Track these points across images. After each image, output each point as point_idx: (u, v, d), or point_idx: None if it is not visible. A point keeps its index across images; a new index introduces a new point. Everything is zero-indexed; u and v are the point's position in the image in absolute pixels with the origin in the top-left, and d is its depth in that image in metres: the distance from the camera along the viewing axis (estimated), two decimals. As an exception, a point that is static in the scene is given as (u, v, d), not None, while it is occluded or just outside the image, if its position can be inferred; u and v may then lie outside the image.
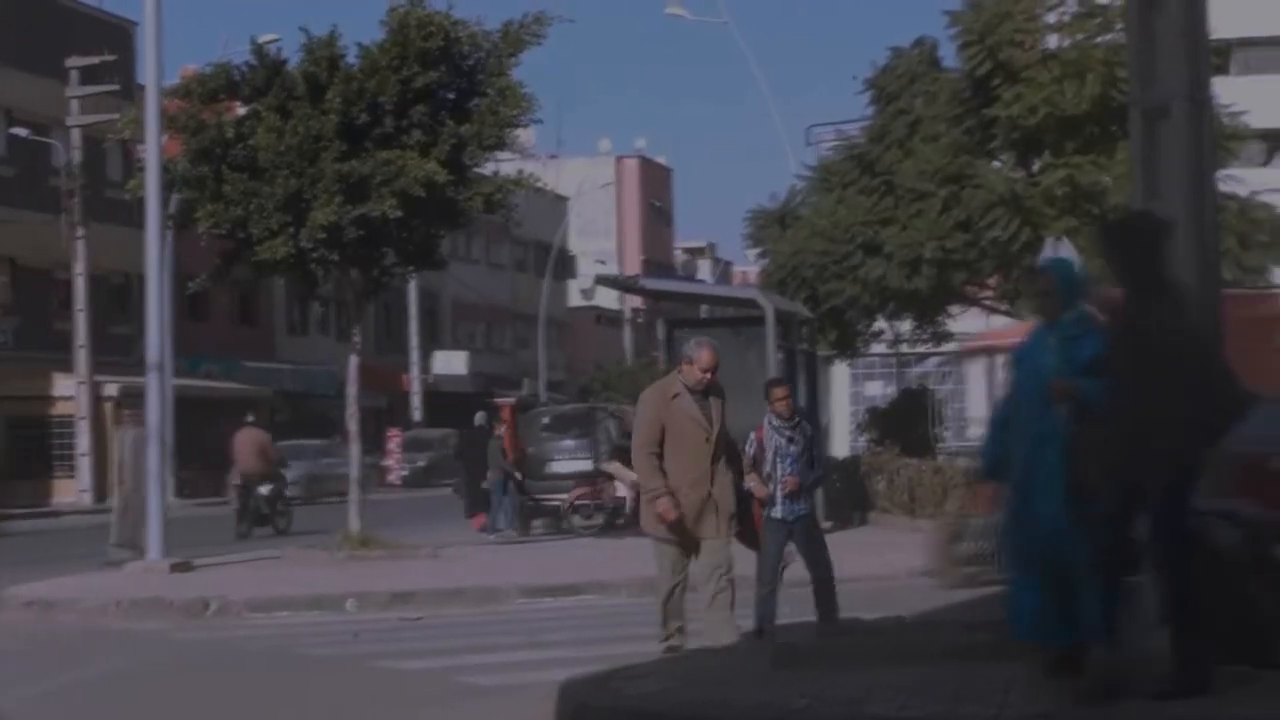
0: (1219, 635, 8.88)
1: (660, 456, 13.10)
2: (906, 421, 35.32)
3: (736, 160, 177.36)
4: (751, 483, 14.60)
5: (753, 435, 15.25)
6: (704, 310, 39.31)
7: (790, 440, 15.12)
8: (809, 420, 16.04)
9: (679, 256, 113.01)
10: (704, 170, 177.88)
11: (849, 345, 35.04)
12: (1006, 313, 33.92)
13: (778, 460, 15.06)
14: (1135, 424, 8.82)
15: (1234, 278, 28.72)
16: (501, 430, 31.66)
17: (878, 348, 39.73)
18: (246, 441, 35.70)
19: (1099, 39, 30.53)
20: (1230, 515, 8.50)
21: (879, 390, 46.92)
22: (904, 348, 41.14)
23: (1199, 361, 8.84)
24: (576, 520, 30.99)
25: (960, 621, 13.43)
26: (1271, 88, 48.00)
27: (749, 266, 75.18)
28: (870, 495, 31.06)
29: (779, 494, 14.99)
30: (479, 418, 33.83)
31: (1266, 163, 48.60)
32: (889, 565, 22.92)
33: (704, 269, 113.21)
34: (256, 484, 34.97)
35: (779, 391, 15.53)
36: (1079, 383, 9.39)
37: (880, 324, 35.73)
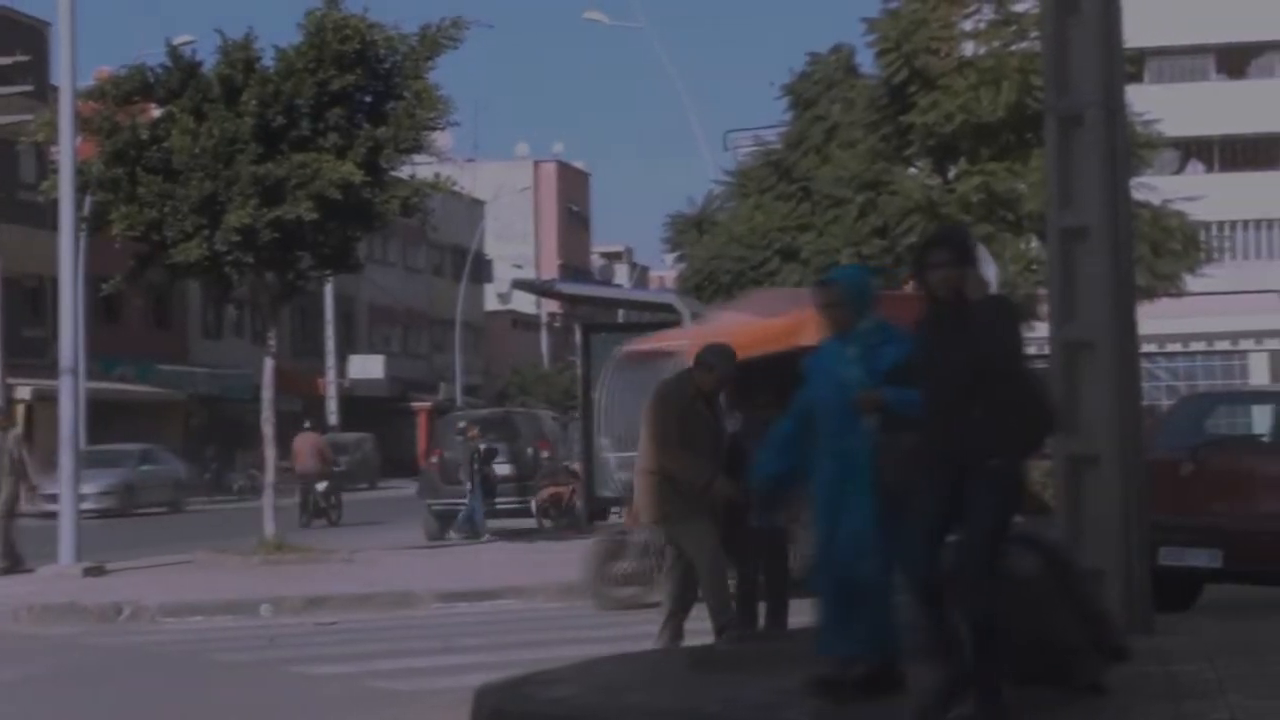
0: (1018, 660, 8.58)
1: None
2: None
3: (654, 165, 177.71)
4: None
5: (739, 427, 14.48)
6: (621, 315, 39.33)
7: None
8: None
9: (596, 261, 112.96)
10: (622, 175, 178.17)
11: (766, 350, 35.12)
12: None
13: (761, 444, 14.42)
14: (947, 435, 8.53)
15: (1147, 285, 28.98)
16: (475, 433, 31.85)
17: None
18: (305, 444, 39.60)
19: (1015, 46, 30.70)
20: (1030, 540, 8.20)
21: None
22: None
23: (1016, 375, 8.60)
24: (546, 523, 31.08)
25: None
26: (1184, 96, 48.39)
27: (666, 271, 75.26)
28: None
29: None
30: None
31: (1179, 171, 48.99)
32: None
33: (621, 273, 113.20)
34: (314, 482, 39.04)
35: (764, 384, 14.71)
36: (885, 392, 9.21)
37: (797, 329, 35.77)
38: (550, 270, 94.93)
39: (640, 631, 14.60)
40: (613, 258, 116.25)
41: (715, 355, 13.17)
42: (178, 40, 27.25)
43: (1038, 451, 8.98)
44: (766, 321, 18.68)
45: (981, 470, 8.33)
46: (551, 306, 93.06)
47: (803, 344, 17.63)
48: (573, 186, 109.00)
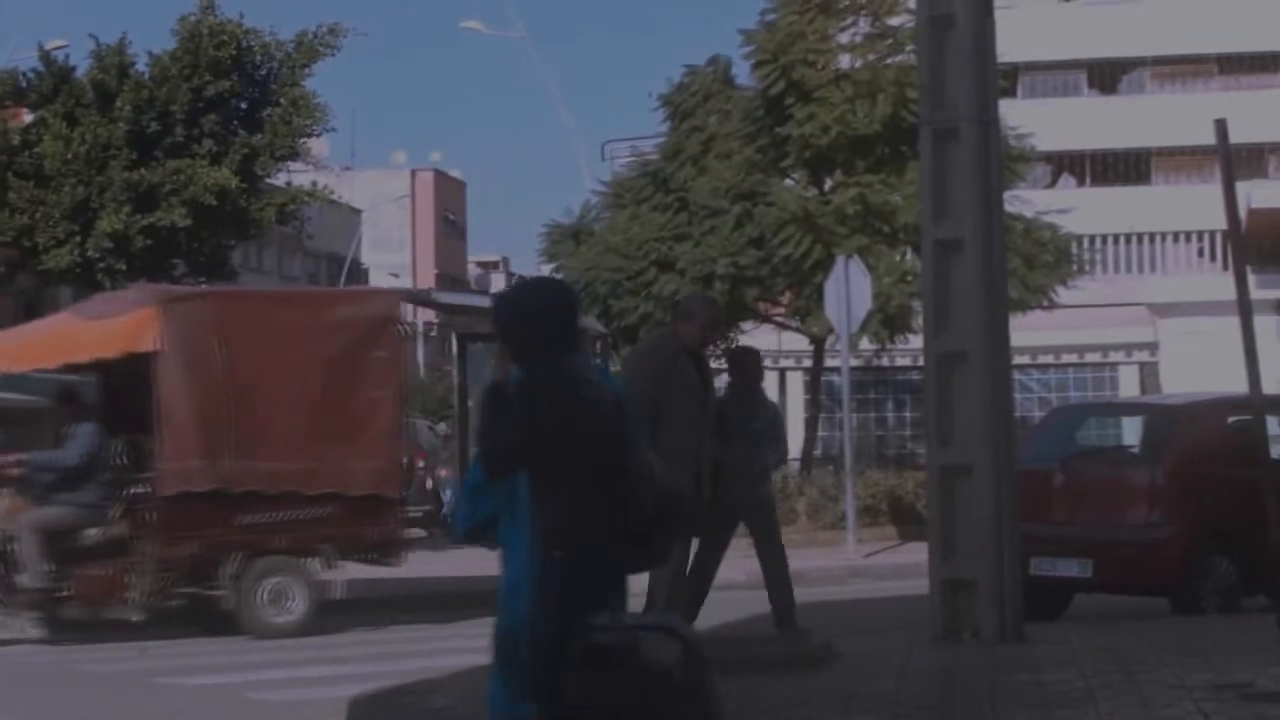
0: None
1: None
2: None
3: (532, 174, 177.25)
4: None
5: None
6: (497, 324, 39.23)
7: (754, 417, 13.46)
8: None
9: (473, 270, 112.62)
10: (499, 184, 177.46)
11: (642, 361, 35.13)
12: (798, 329, 34.21)
13: (737, 436, 13.25)
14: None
15: (1020, 297, 29.25)
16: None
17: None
18: None
19: (890, 60, 30.90)
20: (668, 629, 7.13)
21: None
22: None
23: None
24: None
25: (756, 635, 13.54)
26: (1057, 111, 48.90)
27: (543, 281, 75.12)
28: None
29: (735, 473, 13.12)
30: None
31: (1052, 184, 49.46)
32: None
33: (498, 283, 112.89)
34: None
35: (746, 361, 13.94)
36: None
37: (673, 340, 35.84)
38: (427, 279, 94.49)
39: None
40: (489, 267, 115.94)
41: (695, 302, 12.66)
42: (50, 44, 27.00)
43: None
44: (98, 324, 18.10)
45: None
46: (428, 316, 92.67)
47: (142, 349, 17.52)
48: (450, 195, 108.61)
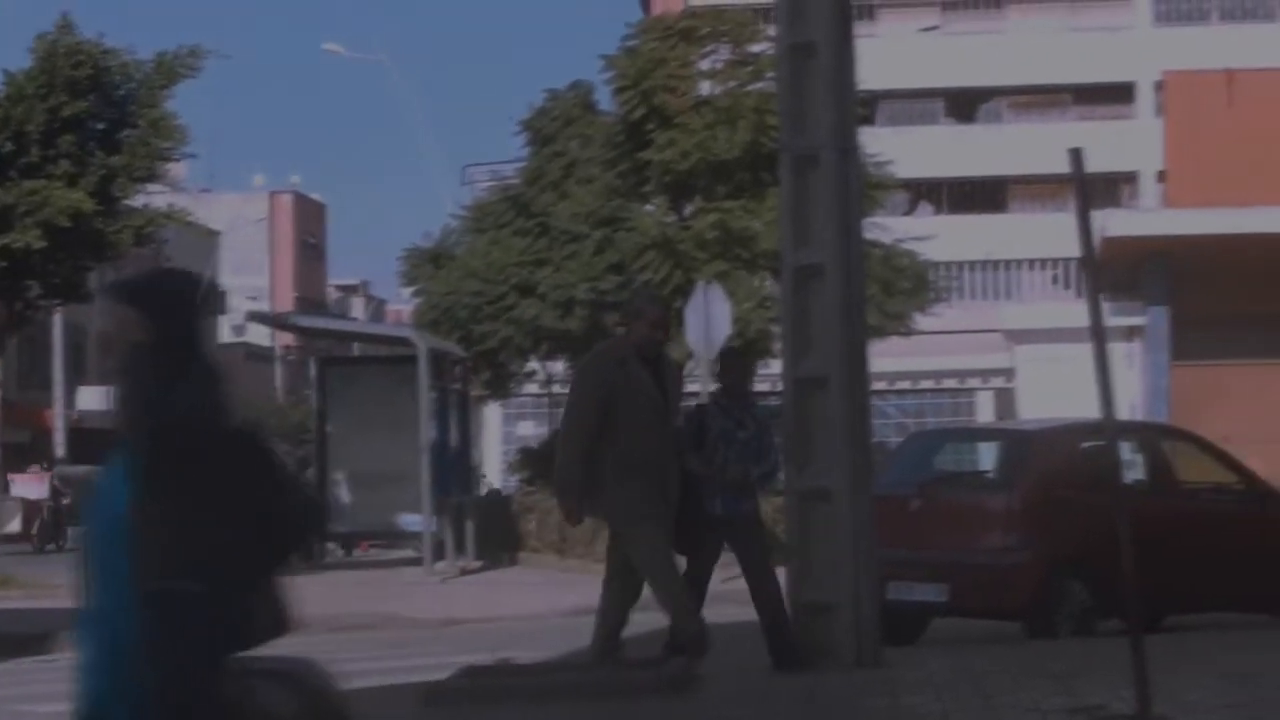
0: None
1: (595, 441, 11.13)
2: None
3: (393, 198, 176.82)
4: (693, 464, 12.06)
5: (693, 413, 12.74)
6: (357, 348, 39.05)
7: (739, 424, 12.46)
8: (749, 408, 12.90)
9: (332, 294, 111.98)
10: (359, 207, 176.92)
11: (502, 386, 35.09)
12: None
13: (721, 445, 12.32)
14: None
15: (878, 323, 29.46)
16: None
17: (530, 388, 39.89)
18: (33, 477, 41.48)
19: (751, 87, 31.09)
20: (291, 675, 5.51)
21: (531, 430, 47.13)
22: (556, 388, 41.35)
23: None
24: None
25: (617, 661, 13.50)
26: (915, 139, 49.33)
27: (403, 305, 74.89)
28: (521, 535, 31.09)
29: (717, 486, 12.26)
30: None
31: (910, 212, 49.88)
32: (540, 604, 23.03)
33: (357, 307, 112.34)
34: (43, 510, 39.10)
35: (731, 364, 13.16)
36: None
37: (533, 364, 35.87)
38: (286, 303, 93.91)
39: (378, 666, 14.49)
40: (349, 291, 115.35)
41: (640, 299, 12.00)
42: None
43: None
44: None
45: None
46: (287, 339, 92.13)
47: None
48: (309, 218, 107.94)
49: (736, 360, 13.13)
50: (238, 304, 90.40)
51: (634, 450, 11.04)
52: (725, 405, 12.59)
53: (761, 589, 12.19)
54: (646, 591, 12.12)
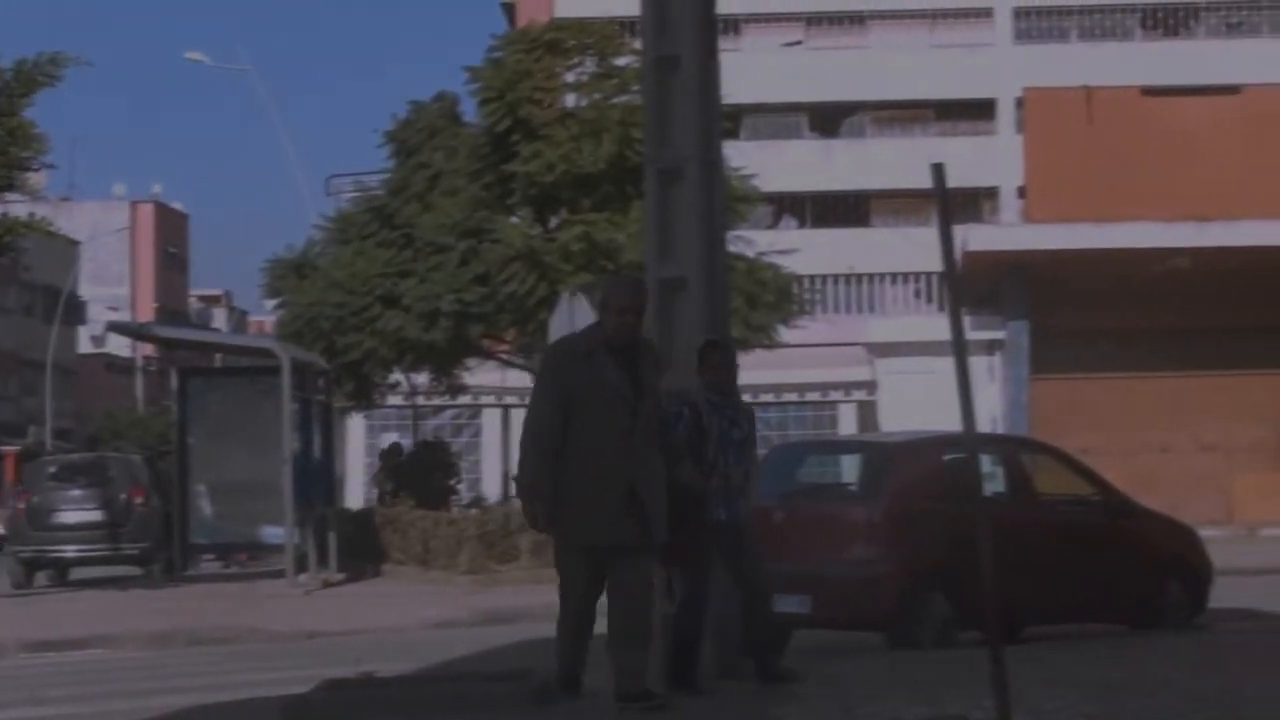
0: None
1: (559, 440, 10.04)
2: (422, 474, 35.34)
3: (256, 209, 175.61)
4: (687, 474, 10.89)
5: (685, 411, 11.49)
6: (219, 359, 38.77)
7: (733, 423, 11.55)
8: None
9: (194, 304, 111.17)
10: (222, 217, 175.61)
11: (365, 397, 34.92)
12: (522, 366, 34.26)
13: (719, 447, 11.41)
14: None
15: (742, 336, 29.58)
16: None
17: (394, 399, 39.73)
18: None
19: (616, 99, 31.14)
20: None
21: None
22: (420, 400, 41.22)
23: None
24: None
25: (480, 673, 13.48)
26: (779, 153, 49.59)
27: (266, 316, 74.36)
28: (384, 547, 30.96)
29: (719, 490, 11.34)
30: None
31: (774, 225, 50.12)
32: (403, 616, 22.93)
33: (219, 318, 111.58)
34: None
35: (717, 357, 11.75)
36: None
37: (397, 376, 35.74)
38: (147, 313, 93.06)
39: (238, 680, 14.38)
40: (211, 301, 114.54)
41: (609, 287, 10.47)
42: None
43: None
44: None
45: None
46: (147, 350, 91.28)
47: None
48: (171, 228, 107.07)
49: (723, 354, 11.76)
50: (98, 314, 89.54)
51: (593, 449, 9.92)
52: (717, 404, 11.54)
53: (746, 595, 11.53)
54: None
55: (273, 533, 28.57)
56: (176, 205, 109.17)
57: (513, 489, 41.52)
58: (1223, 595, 19.53)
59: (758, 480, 11.98)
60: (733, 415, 11.54)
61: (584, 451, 9.91)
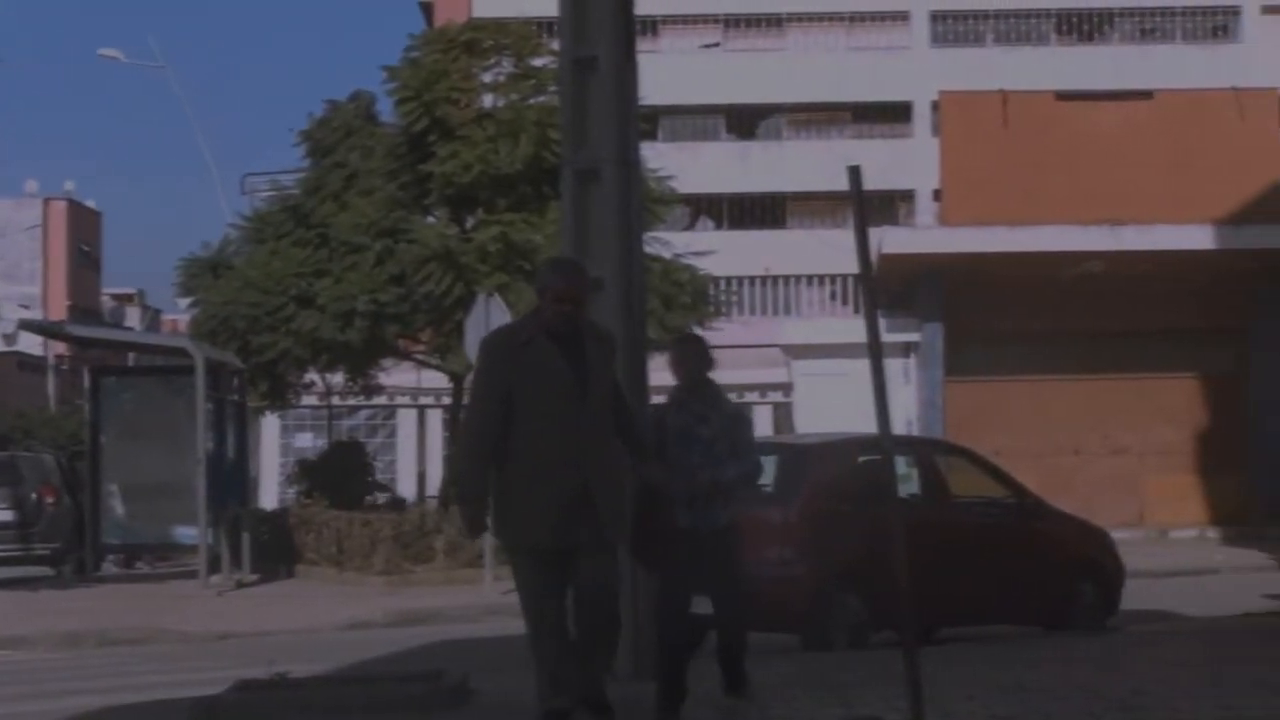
0: None
1: (500, 436, 9.21)
2: (337, 474, 35.21)
3: (170, 207, 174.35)
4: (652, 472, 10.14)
5: (651, 413, 11.12)
6: (132, 358, 38.52)
7: (701, 419, 10.68)
8: (716, 403, 10.87)
9: (107, 303, 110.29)
10: (136, 216, 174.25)
11: (280, 397, 34.75)
12: (438, 366, 34.18)
13: (683, 446, 10.59)
14: None
15: (658, 337, 29.58)
16: None
17: (309, 400, 39.56)
18: None
19: (533, 100, 31.12)
20: None
21: (309, 442, 46.74)
22: (336, 400, 41.06)
23: None
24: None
25: (394, 674, 13.44)
26: (696, 154, 49.65)
27: (180, 315, 73.92)
28: (298, 548, 30.83)
29: (683, 493, 10.52)
30: None
31: (690, 226, 50.18)
32: (317, 617, 22.84)
33: (133, 316, 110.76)
34: None
35: (684, 350, 10.98)
36: None
37: (312, 376, 35.59)
38: (59, 311, 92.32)
39: (149, 681, 14.28)
40: (125, 300, 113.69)
41: (546, 270, 9.63)
42: None
43: None
44: None
45: None
46: (60, 349, 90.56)
47: None
48: (84, 226, 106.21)
49: (694, 346, 10.99)
50: (9, 312, 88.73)
51: (541, 451, 9.16)
52: (684, 399, 10.76)
53: (722, 612, 10.60)
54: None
55: (185, 533, 28.44)
56: (90, 203, 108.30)
57: (428, 489, 41.45)
58: (1134, 597, 19.72)
59: (745, 485, 11.00)
60: (700, 411, 10.65)
61: (528, 447, 9.14)
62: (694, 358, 10.77)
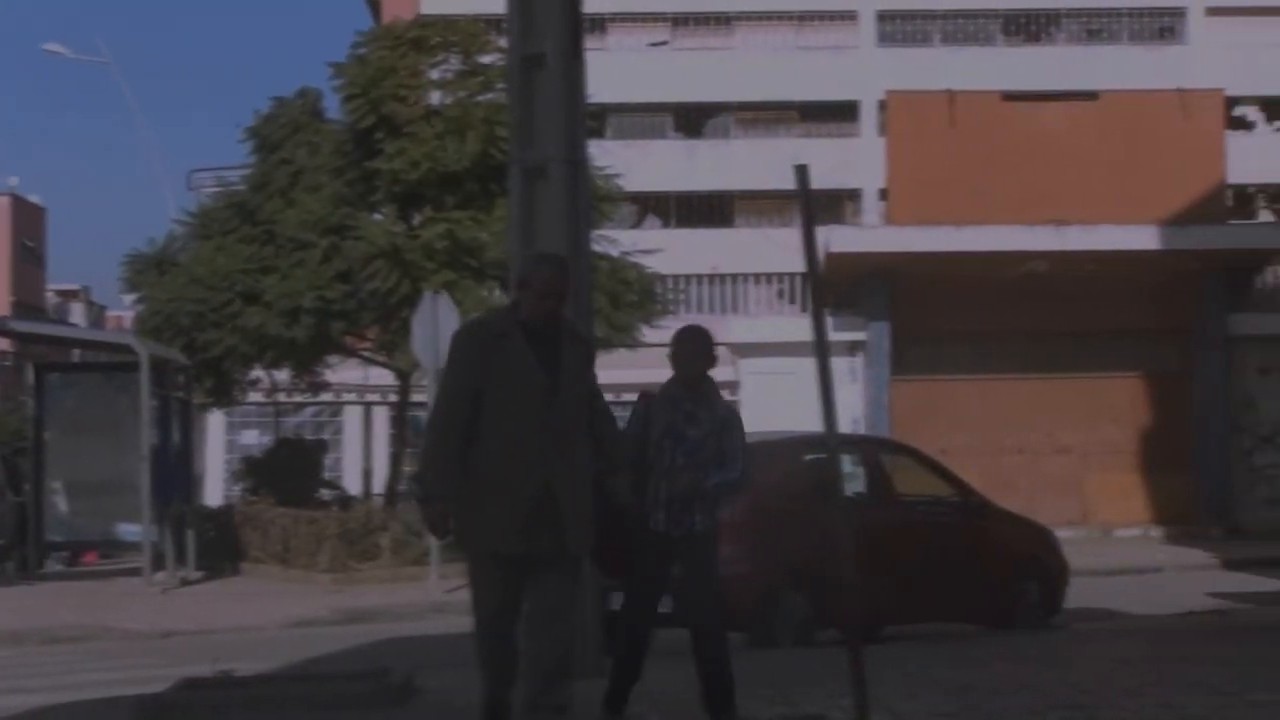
0: None
1: (468, 434, 8.81)
2: (282, 471, 35.12)
3: (115, 202, 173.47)
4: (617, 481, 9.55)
5: (637, 405, 10.35)
6: (77, 355, 38.35)
7: (689, 418, 10.15)
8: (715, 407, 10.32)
9: (51, 299, 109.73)
10: (80, 211, 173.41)
11: (225, 394, 34.64)
12: (384, 364, 34.12)
13: (667, 444, 10.10)
14: None
15: (605, 336, 29.60)
16: None
17: (255, 397, 39.45)
18: None
19: (481, 97, 31.07)
20: None
21: (255, 439, 46.61)
22: (281, 397, 40.95)
23: None
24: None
25: (339, 672, 13.42)
26: (644, 152, 49.62)
27: (124, 312, 73.68)
28: (243, 545, 30.74)
29: (660, 494, 10.03)
30: None
31: (638, 224, 50.18)
32: (262, 615, 22.78)
33: (77, 313, 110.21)
34: None
35: (682, 344, 10.36)
36: None
37: (258, 373, 35.49)
38: (3, 307, 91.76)
39: (92, 679, 14.21)
40: (69, 296, 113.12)
41: (530, 264, 9.27)
42: None
43: None
44: None
45: None
46: (3, 345, 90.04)
47: None
48: (28, 222, 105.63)
49: (695, 340, 10.36)
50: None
51: (507, 451, 8.75)
52: (675, 395, 10.20)
53: (698, 620, 10.21)
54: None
55: (130, 530, 28.31)
56: (34, 198, 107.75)
57: (375, 486, 41.36)
58: (1078, 595, 19.80)
59: (728, 494, 10.40)
60: (691, 410, 10.10)
61: (494, 447, 8.72)
62: (694, 352, 10.24)
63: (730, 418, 10.25)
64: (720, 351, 10.58)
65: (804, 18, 54.31)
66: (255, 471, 36.27)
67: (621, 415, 9.80)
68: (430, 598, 24.22)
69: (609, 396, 9.42)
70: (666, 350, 10.30)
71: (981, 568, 17.86)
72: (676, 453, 9.98)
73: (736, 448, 10.20)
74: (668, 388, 10.22)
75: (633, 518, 9.74)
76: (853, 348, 42.72)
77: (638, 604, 10.14)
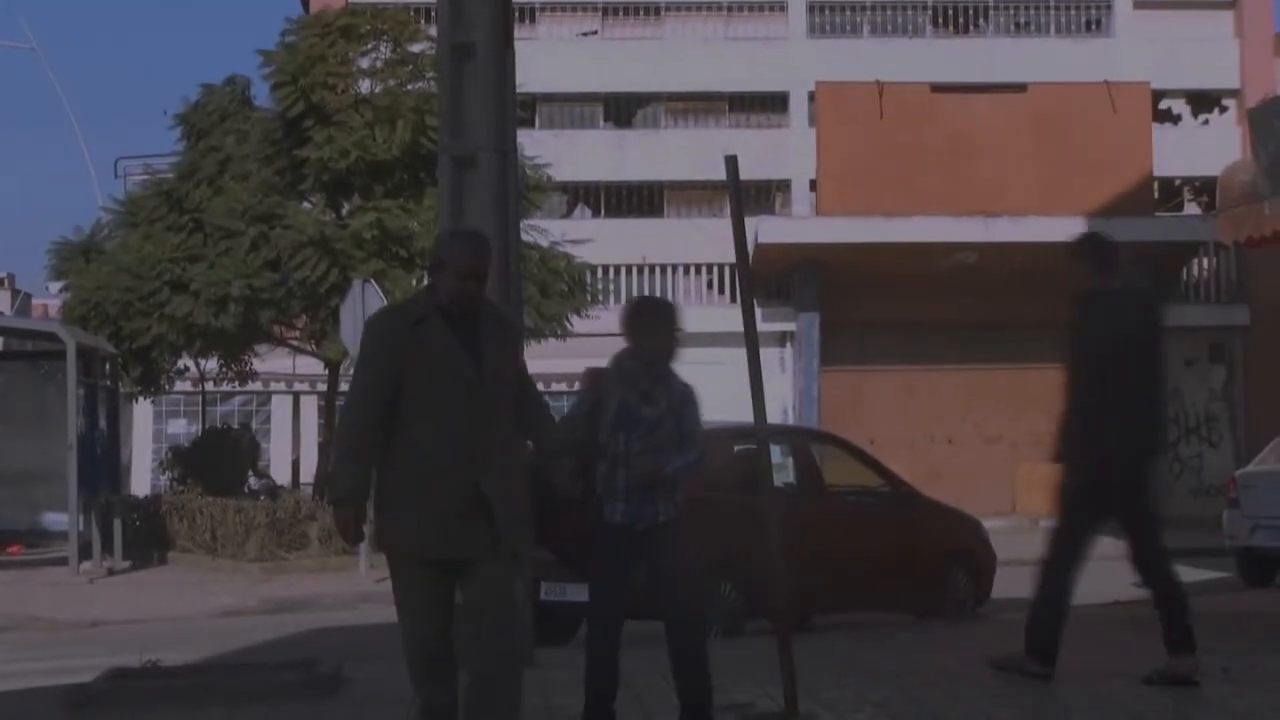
0: None
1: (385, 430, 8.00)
2: (211, 460, 34.98)
3: (41, 190, 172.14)
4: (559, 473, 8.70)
5: (583, 383, 9.73)
6: (1, 343, 38.04)
7: (645, 396, 9.46)
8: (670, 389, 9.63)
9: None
10: (6, 198, 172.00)
11: (153, 383, 34.45)
12: (313, 353, 34.01)
13: (620, 428, 9.40)
14: None
15: (535, 325, 29.61)
16: None
17: (182, 385, 39.26)
18: None
19: (411, 86, 31.02)
20: None
21: (183, 428, 46.40)
22: (209, 386, 40.76)
23: None
24: None
25: (267, 662, 13.38)
26: (574, 142, 49.61)
27: (51, 299, 73.09)
28: (171, 535, 30.60)
29: (618, 483, 9.41)
30: None
31: (568, 214, 50.15)
32: (190, 605, 22.70)
33: (2, 300, 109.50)
34: None
35: (639, 316, 9.68)
36: None
37: (185, 362, 35.32)
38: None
39: (18, 669, 14.13)
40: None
41: (446, 244, 8.35)
42: None
43: None
44: None
45: None
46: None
47: None
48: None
49: (651, 312, 9.71)
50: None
51: (429, 446, 7.93)
52: (630, 372, 9.47)
53: (673, 617, 9.67)
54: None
55: (55, 519, 28.15)
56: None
57: (303, 476, 41.24)
58: (1006, 585, 19.89)
59: (688, 478, 9.70)
60: (646, 388, 9.44)
61: (415, 442, 7.92)
62: (650, 326, 9.54)
63: (688, 394, 9.61)
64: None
65: (734, 8, 54.34)
66: (183, 461, 36.09)
67: (555, 406, 9.64)
68: (359, 587, 24.18)
69: (540, 387, 9.00)
70: (620, 321, 9.59)
71: (910, 557, 17.94)
72: (633, 436, 9.34)
73: (695, 426, 9.59)
74: (620, 362, 9.53)
75: (583, 508, 9.22)
76: (783, 338, 42.87)
77: (605, 601, 9.63)
